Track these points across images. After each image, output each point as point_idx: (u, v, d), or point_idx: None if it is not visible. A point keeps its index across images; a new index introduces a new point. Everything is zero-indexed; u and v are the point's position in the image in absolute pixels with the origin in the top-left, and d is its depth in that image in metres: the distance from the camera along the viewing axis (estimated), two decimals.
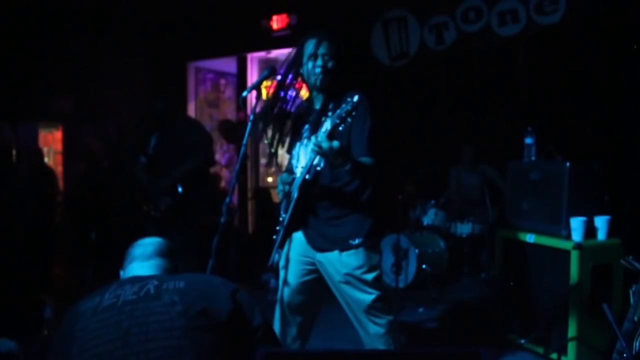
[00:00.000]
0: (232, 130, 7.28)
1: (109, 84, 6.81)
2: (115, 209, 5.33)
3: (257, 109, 2.52)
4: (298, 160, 2.61)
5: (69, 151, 7.30)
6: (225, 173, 8.31)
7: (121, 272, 1.80)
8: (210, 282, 1.62)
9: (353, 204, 2.50)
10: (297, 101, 2.69)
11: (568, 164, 3.33)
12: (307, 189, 2.46)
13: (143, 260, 1.74)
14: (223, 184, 7.91)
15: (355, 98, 2.07)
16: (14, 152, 5.87)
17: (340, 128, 2.13)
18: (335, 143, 2.12)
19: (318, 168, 2.45)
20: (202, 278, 1.65)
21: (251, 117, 2.46)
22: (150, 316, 1.45)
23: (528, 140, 3.64)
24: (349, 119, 2.11)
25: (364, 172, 2.37)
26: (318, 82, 2.50)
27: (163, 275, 1.65)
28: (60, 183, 7.18)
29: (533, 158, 3.63)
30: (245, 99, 2.50)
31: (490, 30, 5.44)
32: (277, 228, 2.56)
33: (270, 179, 7.92)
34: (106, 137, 4.18)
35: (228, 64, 7.95)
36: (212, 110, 8.52)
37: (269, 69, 2.48)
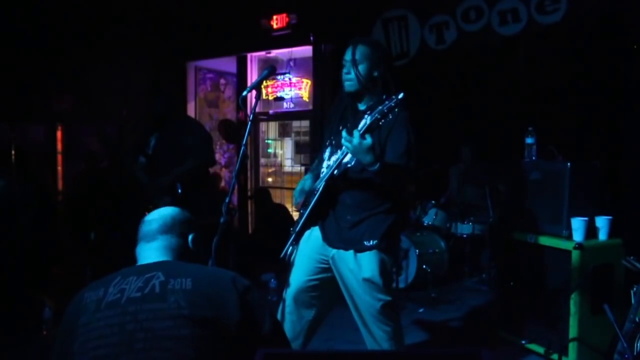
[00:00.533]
0: (232, 130, 7.28)
1: (109, 84, 6.80)
2: (115, 209, 5.31)
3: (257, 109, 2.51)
4: (329, 157, 2.59)
5: (68, 151, 7.29)
6: (225, 173, 8.30)
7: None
8: (219, 284, 1.52)
9: (376, 203, 2.48)
10: None
11: (569, 164, 3.32)
12: (334, 182, 2.45)
13: (147, 241, 1.67)
14: (223, 184, 7.91)
15: (401, 95, 2.11)
16: (12, 152, 5.86)
17: (381, 123, 2.15)
18: (368, 140, 2.12)
19: (349, 165, 2.44)
20: (211, 276, 1.55)
21: (251, 117, 2.45)
22: (155, 321, 1.42)
23: (529, 140, 3.64)
24: (391, 116, 2.14)
25: (391, 176, 2.35)
26: (345, 88, 2.50)
27: (170, 268, 1.56)
28: (60, 183, 7.18)
29: (534, 158, 3.62)
30: (245, 98, 2.49)
31: (491, 30, 5.42)
32: (296, 220, 2.55)
33: (270, 179, 7.92)
34: (106, 137, 4.15)
35: (228, 64, 7.94)
36: (212, 110, 8.51)
37: (268, 69, 2.46)
